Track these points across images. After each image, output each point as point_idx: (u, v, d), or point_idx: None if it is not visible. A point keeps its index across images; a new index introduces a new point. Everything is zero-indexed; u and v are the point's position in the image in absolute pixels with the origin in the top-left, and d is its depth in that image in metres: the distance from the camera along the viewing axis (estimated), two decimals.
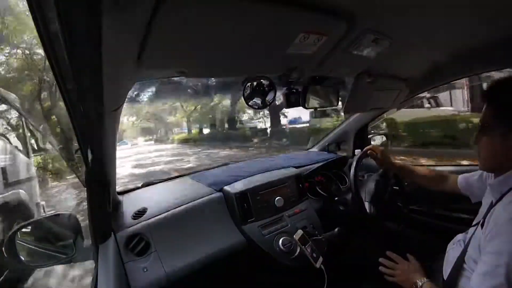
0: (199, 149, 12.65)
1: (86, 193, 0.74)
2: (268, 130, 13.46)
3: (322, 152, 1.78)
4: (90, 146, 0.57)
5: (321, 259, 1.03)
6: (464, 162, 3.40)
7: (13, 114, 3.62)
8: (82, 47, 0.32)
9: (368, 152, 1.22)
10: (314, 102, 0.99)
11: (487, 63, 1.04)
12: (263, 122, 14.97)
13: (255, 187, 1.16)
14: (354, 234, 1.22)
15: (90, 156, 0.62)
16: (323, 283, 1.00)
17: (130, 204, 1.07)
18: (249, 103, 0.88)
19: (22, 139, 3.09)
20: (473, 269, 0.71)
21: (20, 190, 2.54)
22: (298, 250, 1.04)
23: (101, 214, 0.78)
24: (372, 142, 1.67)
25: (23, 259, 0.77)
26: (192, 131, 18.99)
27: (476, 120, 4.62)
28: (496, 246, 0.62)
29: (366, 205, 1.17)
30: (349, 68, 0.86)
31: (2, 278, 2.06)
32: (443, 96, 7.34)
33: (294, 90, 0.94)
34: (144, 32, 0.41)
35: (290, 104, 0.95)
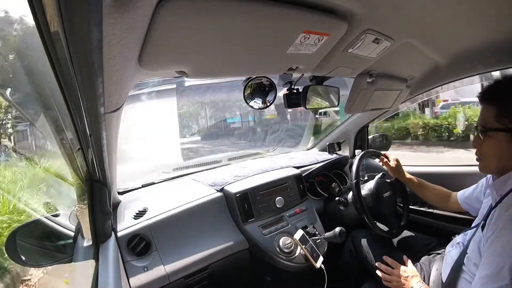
0: None
1: (86, 193, 0.75)
2: None
3: (323, 152, 1.78)
4: (90, 146, 0.57)
5: (321, 259, 1.03)
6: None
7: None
8: (83, 47, 0.32)
9: (381, 157, 1.24)
10: (314, 102, 0.99)
11: (487, 63, 1.04)
12: None
13: (256, 187, 1.16)
14: (354, 234, 1.22)
15: (90, 156, 0.62)
16: (323, 283, 1.00)
17: (130, 204, 1.07)
18: (250, 103, 0.88)
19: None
20: (472, 272, 0.70)
21: None
22: (298, 250, 1.04)
23: (102, 213, 0.78)
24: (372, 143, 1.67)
25: (23, 258, 0.77)
26: None
27: None
28: (499, 249, 0.62)
29: (366, 205, 1.17)
30: (350, 68, 0.86)
31: None
32: None
33: (295, 90, 0.94)
34: (145, 32, 0.41)
35: (290, 104, 0.95)
